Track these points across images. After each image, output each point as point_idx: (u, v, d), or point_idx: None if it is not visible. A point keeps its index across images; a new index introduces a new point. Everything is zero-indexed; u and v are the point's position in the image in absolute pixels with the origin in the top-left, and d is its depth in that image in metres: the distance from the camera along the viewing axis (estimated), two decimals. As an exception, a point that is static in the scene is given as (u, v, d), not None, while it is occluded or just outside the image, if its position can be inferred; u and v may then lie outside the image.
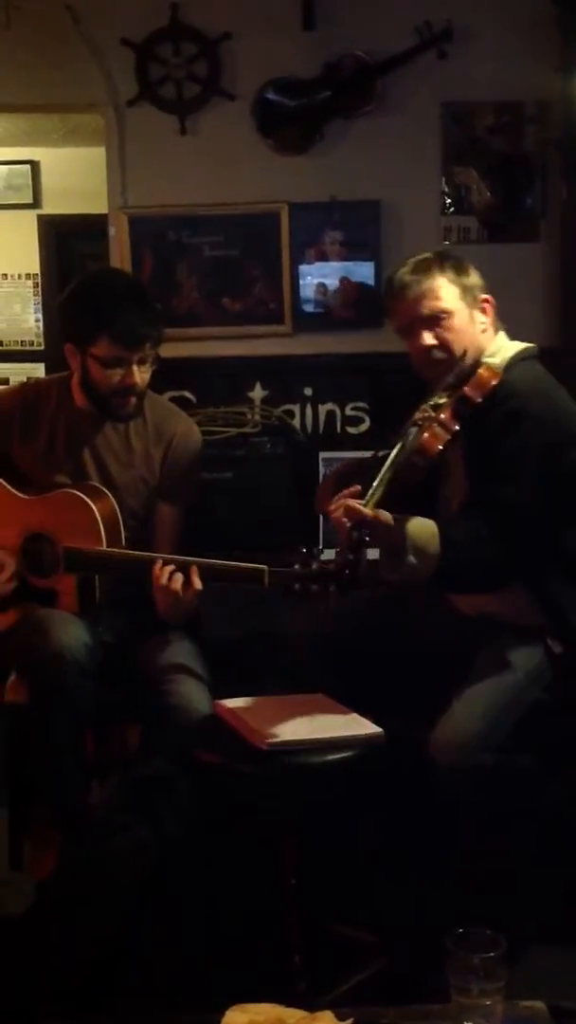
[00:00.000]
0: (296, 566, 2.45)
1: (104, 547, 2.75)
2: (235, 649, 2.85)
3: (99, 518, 2.76)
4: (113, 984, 2.31)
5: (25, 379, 6.61)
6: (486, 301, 2.61)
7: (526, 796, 2.47)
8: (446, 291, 2.55)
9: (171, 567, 2.61)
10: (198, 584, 2.60)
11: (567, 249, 3.90)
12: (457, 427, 2.46)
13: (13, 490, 2.86)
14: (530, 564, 2.49)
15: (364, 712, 2.43)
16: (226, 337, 4.06)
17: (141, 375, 2.81)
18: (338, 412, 4.07)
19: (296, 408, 4.07)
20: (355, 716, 2.42)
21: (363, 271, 4.02)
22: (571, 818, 2.50)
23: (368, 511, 2.26)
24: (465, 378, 2.50)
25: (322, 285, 4.05)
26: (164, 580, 2.60)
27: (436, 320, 2.55)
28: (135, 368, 2.78)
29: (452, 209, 3.98)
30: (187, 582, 2.60)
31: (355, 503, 2.29)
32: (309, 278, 4.05)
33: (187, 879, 2.51)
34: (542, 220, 3.96)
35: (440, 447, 2.44)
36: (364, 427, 4.02)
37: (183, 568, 2.60)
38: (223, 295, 4.05)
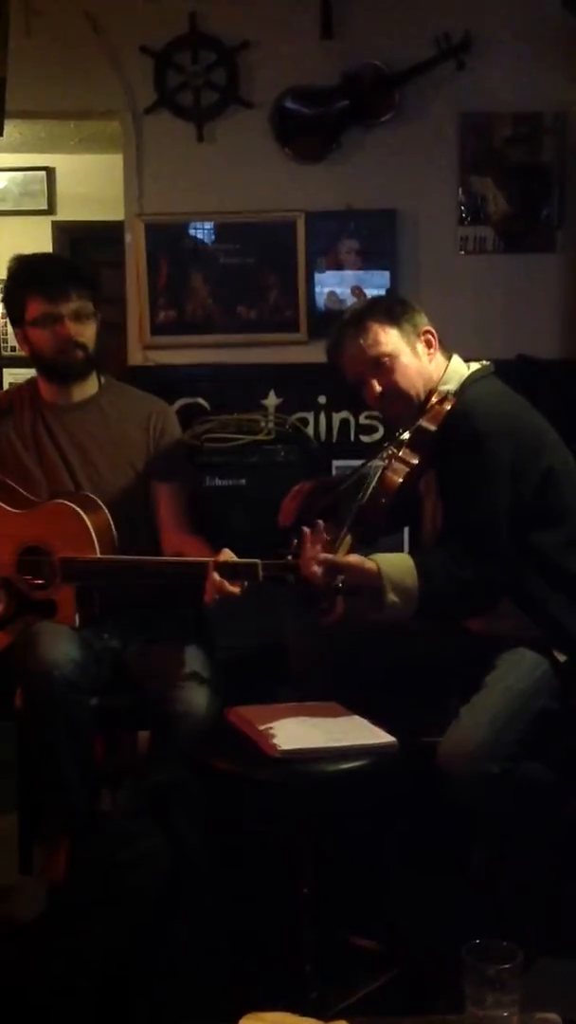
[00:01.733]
0: (289, 557, 2.44)
1: (98, 553, 2.74)
2: (248, 658, 2.84)
3: (90, 526, 2.75)
4: (126, 992, 2.31)
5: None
6: (427, 332, 2.63)
7: (537, 805, 2.46)
8: (383, 336, 2.57)
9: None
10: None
11: (583, 260, 3.91)
12: (416, 460, 2.52)
13: (4, 505, 2.85)
14: (513, 579, 2.50)
15: (376, 721, 2.43)
16: (241, 344, 4.06)
17: (77, 328, 2.86)
18: (352, 421, 4.08)
19: (310, 416, 4.08)
20: (368, 725, 2.42)
21: (378, 280, 4.03)
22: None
23: (340, 558, 2.33)
24: (421, 410, 2.55)
25: (337, 294, 4.05)
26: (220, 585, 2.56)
27: (380, 366, 2.57)
28: (68, 322, 2.84)
29: (468, 219, 3.98)
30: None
31: (325, 554, 2.33)
32: (324, 286, 4.05)
33: (200, 887, 2.50)
34: (559, 230, 3.97)
35: (400, 481, 2.50)
36: (378, 435, 4.02)
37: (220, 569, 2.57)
38: (238, 303, 4.06)
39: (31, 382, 3.04)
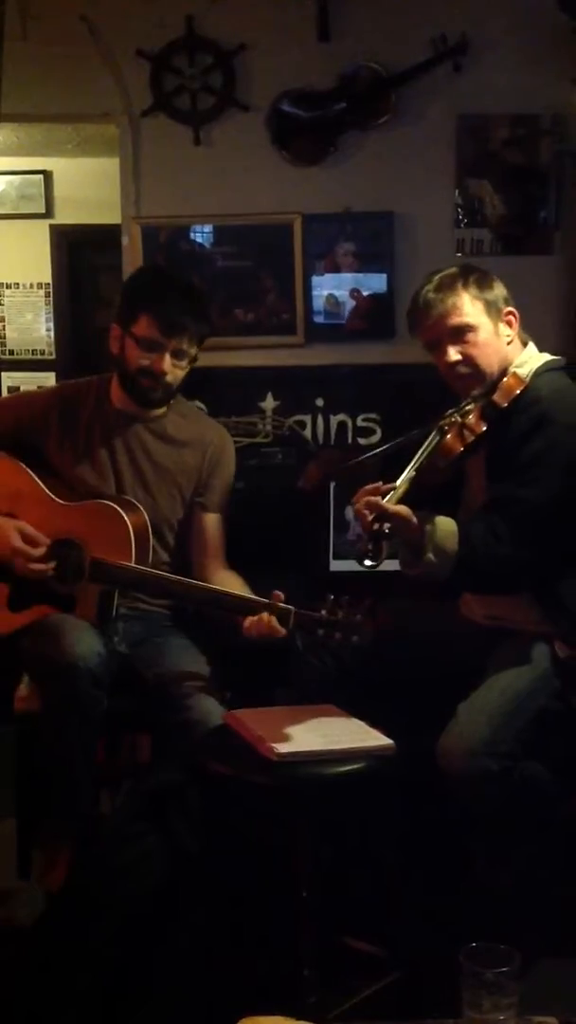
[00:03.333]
0: (323, 612, 2.49)
1: (132, 563, 2.75)
2: (247, 661, 2.84)
3: (132, 532, 2.76)
4: (124, 996, 2.31)
5: (36, 388, 6.70)
6: (510, 314, 2.64)
7: (536, 804, 2.46)
8: (469, 307, 2.59)
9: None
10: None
11: (581, 262, 3.90)
12: (482, 430, 2.53)
13: (49, 493, 2.86)
14: (545, 567, 2.51)
15: (375, 724, 2.43)
16: (238, 347, 4.06)
17: (172, 366, 2.84)
18: (350, 423, 4.07)
19: (308, 419, 4.07)
20: (366, 727, 2.42)
21: (376, 282, 4.02)
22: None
23: (390, 506, 2.36)
24: (492, 387, 2.56)
25: (334, 296, 4.05)
26: (265, 626, 2.58)
27: (461, 335, 2.59)
28: (167, 356, 2.82)
29: (466, 221, 3.98)
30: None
31: (377, 498, 2.38)
32: (322, 289, 4.05)
33: (199, 890, 2.50)
34: (557, 233, 3.96)
35: (461, 449, 2.52)
36: (376, 438, 4.02)
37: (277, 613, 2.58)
38: (236, 305, 4.06)
39: (103, 381, 3.03)
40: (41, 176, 6.79)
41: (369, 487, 2.44)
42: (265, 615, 2.56)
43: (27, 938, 2.56)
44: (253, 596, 2.67)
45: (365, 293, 4.03)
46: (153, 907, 2.43)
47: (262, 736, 2.35)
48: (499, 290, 2.65)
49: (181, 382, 2.92)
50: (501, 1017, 1.60)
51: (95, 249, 6.68)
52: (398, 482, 2.42)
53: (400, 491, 2.41)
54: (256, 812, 2.52)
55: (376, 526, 2.35)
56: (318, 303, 4.05)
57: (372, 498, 2.39)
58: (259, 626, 2.57)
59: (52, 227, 6.90)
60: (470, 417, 2.54)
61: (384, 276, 4.02)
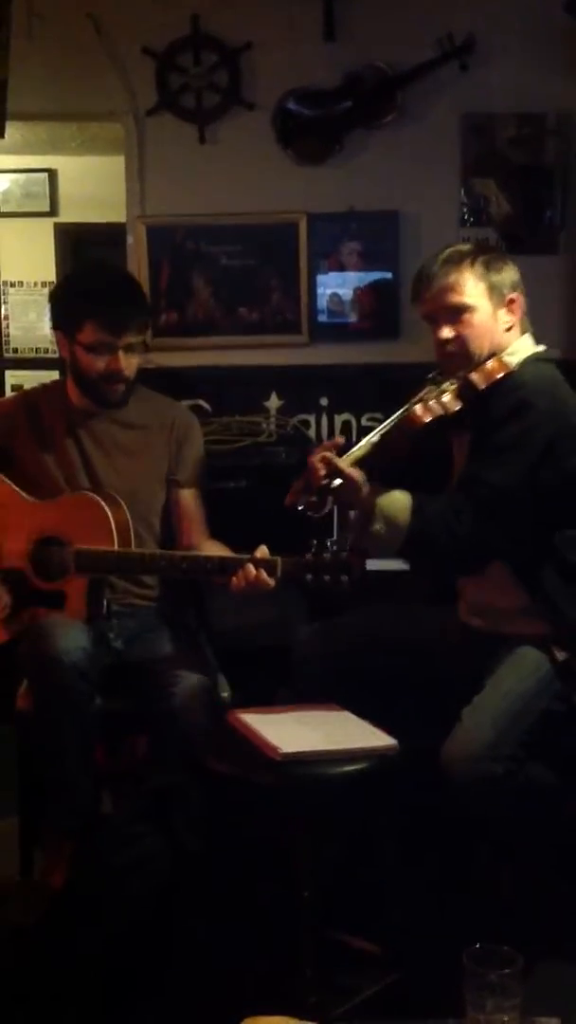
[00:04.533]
0: (308, 556, 2.48)
1: (115, 546, 2.76)
2: (250, 661, 2.84)
3: (111, 518, 2.78)
4: (126, 995, 2.30)
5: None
6: (513, 300, 2.60)
7: (540, 807, 2.46)
8: (471, 287, 2.56)
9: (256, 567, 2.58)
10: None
11: (586, 262, 3.90)
12: (455, 408, 2.50)
13: (23, 494, 2.88)
14: (525, 563, 2.50)
15: (378, 724, 2.42)
16: (242, 346, 4.06)
17: (127, 361, 2.86)
18: (354, 422, 4.07)
19: (312, 418, 4.07)
20: (369, 727, 2.41)
21: (381, 281, 4.02)
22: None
23: (344, 465, 2.38)
24: (475, 366, 2.54)
25: (339, 295, 4.05)
26: (252, 577, 2.58)
27: (457, 314, 2.56)
28: (121, 354, 2.84)
29: (471, 220, 3.98)
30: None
31: (332, 455, 2.39)
32: (326, 288, 4.05)
33: (200, 890, 2.50)
34: (562, 232, 3.96)
35: (427, 420, 2.48)
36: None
37: (261, 564, 2.57)
38: (240, 304, 4.06)
39: (58, 383, 3.06)
40: (46, 174, 6.79)
41: (328, 443, 2.47)
42: (250, 567, 2.55)
43: (28, 937, 2.55)
44: (235, 554, 2.66)
45: (370, 292, 4.03)
46: (154, 906, 2.43)
47: (265, 736, 2.35)
48: (508, 274, 2.60)
49: (137, 371, 2.93)
50: (504, 1018, 1.59)
51: (100, 247, 6.65)
52: (359, 445, 2.43)
53: (358, 453, 2.42)
54: (258, 812, 2.51)
55: (326, 481, 2.37)
56: (322, 302, 4.05)
57: (328, 454, 2.39)
58: (247, 579, 2.56)
59: (56, 225, 6.90)
60: (446, 395, 2.51)
61: (389, 275, 4.01)
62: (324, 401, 4.07)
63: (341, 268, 4.04)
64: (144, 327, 2.92)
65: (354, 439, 3.99)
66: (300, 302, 4.03)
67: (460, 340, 2.56)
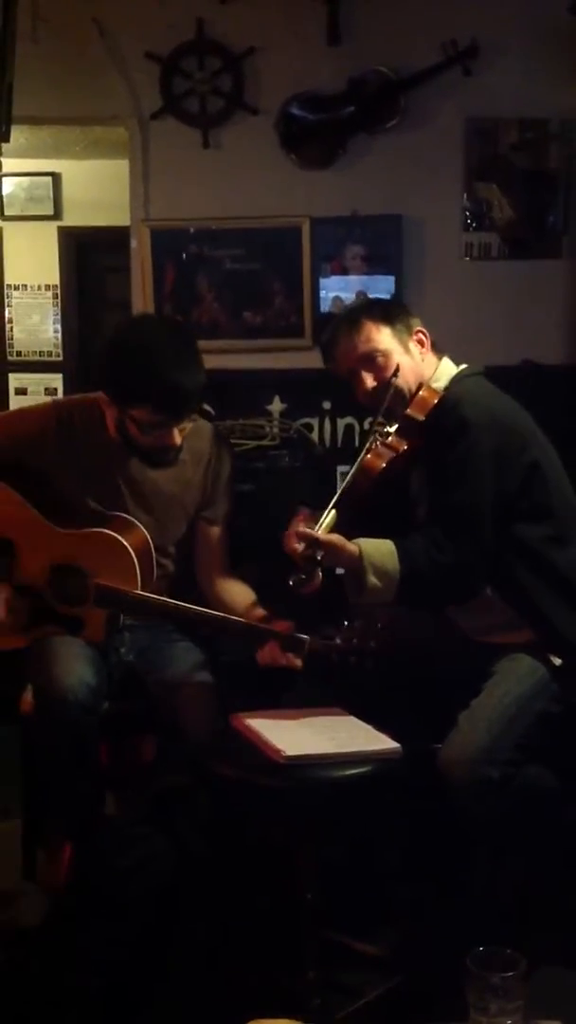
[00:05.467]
0: (337, 640, 2.49)
1: (138, 588, 2.71)
2: (255, 665, 2.84)
3: (136, 559, 2.70)
4: (129, 998, 2.31)
5: (43, 390, 6.71)
6: (420, 332, 2.72)
7: (538, 810, 2.46)
8: (375, 333, 2.67)
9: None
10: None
11: (589, 266, 3.90)
12: (403, 448, 2.57)
13: (45, 520, 2.79)
14: (499, 572, 2.53)
15: (382, 728, 2.43)
16: (246, 350, 4.06)
17: (181, 434, 2.72)
18: (357, 426, 4.07)
19: (315, 421, 4.07)
20: (373, 731, 2.42)
21: (384, 285, 4.02)
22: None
23: (321, 534, 2.40)
24: (407, 401, 2.62)
25: (342, 299, 4.06)
26: (280, 660, 2.59)
27: (372, 361, 2.65)
28: (175, 430, 2.70)
29: (474, 225, 3.98)
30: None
31: (306, 528, 2.42)
32: (330, 292, 4.05)
33: (204, 892, 2.50)
34: (564, 237, 3.96)
35: (383, 466, 2.55)
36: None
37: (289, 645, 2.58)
38: (244, 308, 4.06)
39: (95, 406, 2.84)
40: (50, 178, 6.81)
41: (296, 519, 2.49)
42: (277, 650, 2.56)
43: (31, 939, 2.56)
44: (262, 625, 2.65)
45: (372, 296, 4.03)
46: (158, 908, 2.43)
47: (269, 738, 2.35)
48: (403, 316, 2.72)
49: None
50: (508, 1021, 1.60)
51: (103, 251, 6.69)
52: (326, 512, 2.45)
53: (328, 518, 2.44)
54: (261, 814, 2.52)
55: (308, 552, 2.39)
56: (326, 306, 4.06)
57: (302, 528, 2.42)
58: (273, 660, 2.57)
59: (60, 229, 6.92)
60: (391, 437, 2.58)
61: (392, 279, 4.01)
62: (327, 404, 4.07)
63: (344, 272, 4.05)
64: (200, 400, 2.74)
65: (356, 443, 4.04)
66: (303, 306, 4.03)
67: (384, 382, 2.63)
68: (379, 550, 2.44)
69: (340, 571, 2.51)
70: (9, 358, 7.01)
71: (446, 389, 2.63)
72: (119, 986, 2.33)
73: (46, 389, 6.76)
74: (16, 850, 2.88)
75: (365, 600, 2.45)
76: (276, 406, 4.06)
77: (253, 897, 2.63)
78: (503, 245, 3.98)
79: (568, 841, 2.52)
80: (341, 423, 4.08)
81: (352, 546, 2.43)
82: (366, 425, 3.95)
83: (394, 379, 2.62)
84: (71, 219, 6.90)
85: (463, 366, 2.73)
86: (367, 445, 2.58)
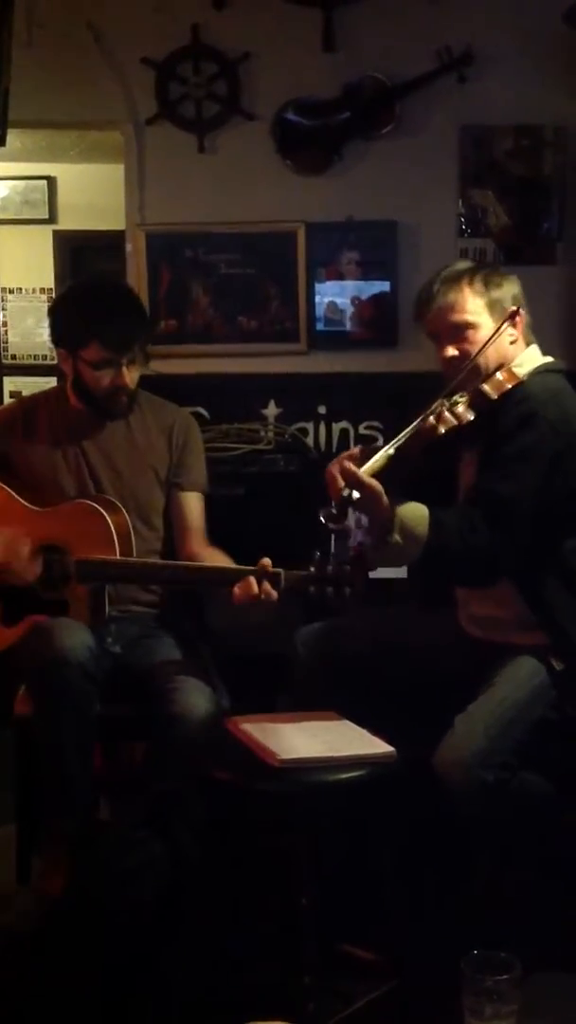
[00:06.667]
0: (311, 568, 2.48)
1: (117, 555, 2.77)
2: (249, 668, 2.85)
3: (113, 528, 2.79)
4: (124, 1003, 2.31)
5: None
6: (516, 313, 2.62)
7: (533, 815, 2.47)
8: (471, 304, 2.60)
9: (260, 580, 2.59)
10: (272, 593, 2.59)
11: (583, 273, 3.92)
12: (470, 418, 2.50)
13: (23, 501, 2.89)
14: (527, 572, 2.52)
15: (377, 732, 2.43)
16: (241, 354, 4.07)
17: (131, 375, 2.89)
18: (352, 430, 4.08)
19: (310, 426, 4.08)
20: (368, 735, 2.42)
21: (379, 291, 4.03)
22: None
23: (364, 476, 2.34)
24: (482, 379, 2.55)
25: (337, 304, 4.07)
26: (255, 591, 2.58)
27: (459, 332, 2.60)
28: (124, 369, 2.87)
29: (469, 231, 3.99)
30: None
31: (352, 465, 2.37)
32: (325, 297, 4.06)
33: (199, 897, 2.51)
34: (559, 243, 3.97)
35: (442, 431, 2.47)
36: (378, 446, 4.02)
37: (265, 576, 2.58)
38: (239, 313, 4.07)
39: (57, 389, 3.09)
40: (45, 182, 6.83)
41: (346, 453, 2.47)
42: (252, 581, 2.56)
43: (26, 944, 2.56)
44: (238, 566, 2.67)
45: (368, 301, 4.04)
46: (154, 913, 2.43)
47: (263, 743, 2.36)
48: (508, 289, 2.64)
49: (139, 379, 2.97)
50: (502, 1025, 1.60)
51: (98, 255, 6.68)
52: (376, 456, 2.42)
53: (375, 465, 2.40)
54: (257, 818, 2.52)
55: (346, 492, 2.35)
56: (320, 311, 4.07)
57: (348, 465, 2.38)
58: (248, 592, 2.56)
59: (55, 233, 6.93)
60: (459, 406, 2.51)
61: (387, 284, 4.03)
62: (322, 409, 4.08)
63: (339, 277, 4.06)
64: (146, 341, 2.97)
65: (351, 447, 4.04)
66: (298, 311, 4.04)
67: (465, 356, 2.58)
68: (412, 512, 2.39)
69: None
70: (4, 361, 7.01)
71: (525, 377, 2.57)
72: (115, 991, 2.32)
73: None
74: (10, 855, 2.88)
75: (384, 554, 2.41)
76: (271, 410, 4.07)
77: (248, 901, 2.63)
78: (498, 251, 3.99)
79: (564, 847, 2.52)
80: (336, 427, 4.09)
81: (387, 499, 2.38)
82: (361, 428, 4.07)
83: (477, 355, 2.56)
84: (66, 223, 6.91)
85: (549, 358, 2.68)
86: (431, 408, 2.51)
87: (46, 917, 2.61)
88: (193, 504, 3.03)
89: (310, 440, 4.06)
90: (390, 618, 2.86)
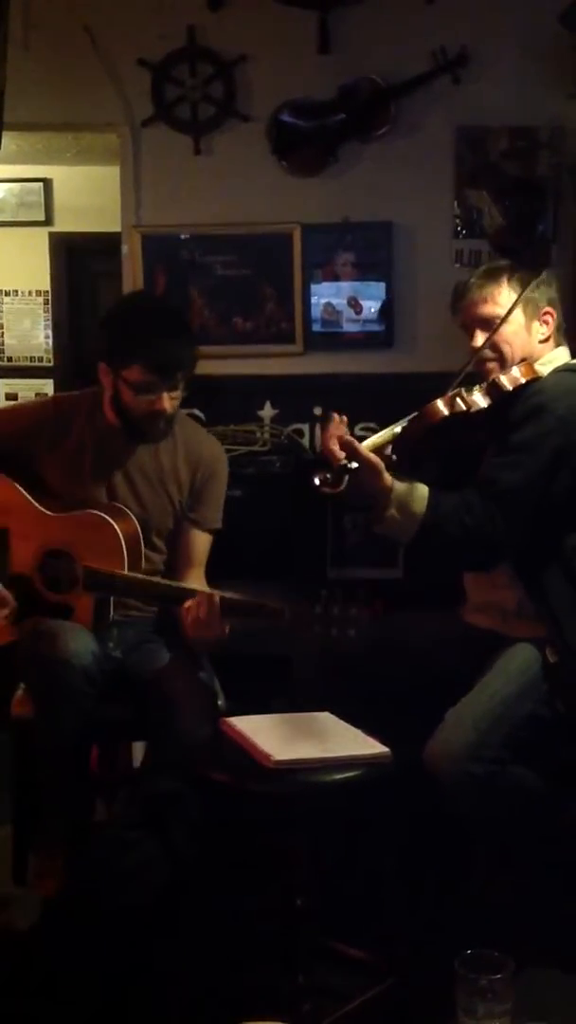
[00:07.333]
0: (318, 609, 2.49)
1: (125, 570, 2.76)
2: (244, 668, 2.85)
3: (123, 541, 2.78)
4: (120, 1003, 2.31)
5: (34, 395, 6.72)
6: (549, 312, 2.70)
7: (524, 810, 2.47)
8: (504, 298, 2.67)
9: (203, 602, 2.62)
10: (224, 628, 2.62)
11: (579, 274, 3.92)
12: (481, 406, 2.56)
13: (37, 505, 2.87)
14: (529, 565, 2.53)
15: (371, 732, 2.44)
16: (237, 356, 4.07)
17: (171, 401, 2.83)
18: (347, 432, 4.07)
19: (306, 427, 4.07)
20: (362, 735, 2.43)
21: (375, 292, 4.04)
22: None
23: (364, 450, 2.42)
24: (505, 370, 2.63)
25: (333, 305, 4.07)
26: (195, 610, 2.62)
27: (490, 324, 2.66)
28: (166, 395, 2.81)
29: (464, 232, 3.99)
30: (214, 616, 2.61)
31: (351, 437, 2.45)
32: (321, 298, 4.07)
33: (195, 897, 2.51)
34: (554, 245, 3.97)
35: (445, 414, 2.53)
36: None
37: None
38: (234, 314, 4.07)
39: (94, 396, 3.00)
40: (41, 184, 6.82)
41: (337, 421, 2.55)
42: (212, 600, 2.60)
43: (22, 945, 2.56)
44: (255, 600, 2.66)
45: (364, 302, 4.05)
46: (149, 913, 2.44)
47: (258, 744, 2.36)
48: (544, 290, 2.72)
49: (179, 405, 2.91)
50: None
51: (94, 257, 6.70)
52: (381, 432, 2.51)
53: (377, 440, 2.48)
54: (252, 819, 2.52)
55: (345, 462, 2.41)
56: (316, 312, 4.07)
57: (346, 434, 2.44)
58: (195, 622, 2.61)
59: (51, 235, 6.93)
60: (472, 394, 2.57)
61: (383, 285, 4.03)
62: (318, 410, 4.07)
63: (335, 278, 4.06)
64: (192, 367, 2.88)
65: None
66: (294, 312, 4.04)
67: (494, 348, 2.66)
68: (411, 490, 2.46)
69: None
70: (0, 363, 7.01)
71: (544, 374, 2.63)
72: (110, 991, 2.33)
73: (36, 394, 6.76)
74: (6, 856, 2.88)
75: (382, 529, 2.48)
76: (267, 412, 4.07)
77: (244, 901, 2.63)
78: (493, 252, 3.98)
79: (562, 847, 2.53)
80: (332, 429, 4.08)
81: (388, 475, 2.45)
82: (357, 430, 4.06)
83: (504, 346, 2.65)
84: (62, 225, 6.91)
85: (572, 361, 2.73)
86: (445, 393, 2.57)
87: (41, 917, 2.61)
88: (200, 541, 3.00)
89: (306, 441, 4.06)
90: (388, 621, 2.86)
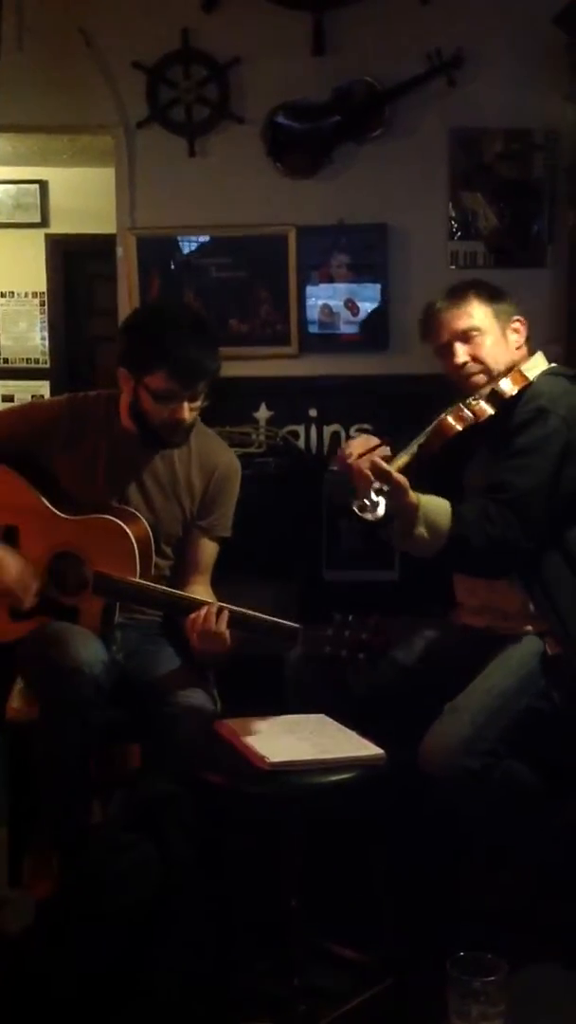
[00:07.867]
0: (329, 631, 2.49)
1: (137, 577, 2.73)
2: (240, 669, 2.85)
3: (135, 546, 2.75)
4: (114, 1005, 2.30)
5: (30, 397, 6.72)
6: (518, 321, 2.77)
7: (519, 805, 2.48)
8: (477, 311, 2.73)
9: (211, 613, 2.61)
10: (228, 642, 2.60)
11: (574, 275, 3.92)
12: (490, 412, 2.63)
13: (50, 506, 2.84)
14: (534, 559, 2.57)
15: (366, 734, 2.44)
16: (232, 358, 4.01)
17: (191, 411, 2.79)
18: (343, 433, 4.08)
19: (301, 429, 4.09)
20: (357, 737, 2.43)
21: (370, 294, 4.04)
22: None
23: (395, 472, 2.43)
24: (498, 379, 2.69)
25: (328, 307, 4.07)
26: (201, 621, 2.60)
27: (468, 337, 2.71)
28: (186, 404, 2.77)
29: (459, 234, 4.00)
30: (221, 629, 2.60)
31: (382, 462, 2.44)
32: (316, 300, 4.07)
33: (190, 898, 2.50)
34: (549, 246, 3.98)
35: (460, 429, 2.61)
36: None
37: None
38: (230, 316, 4.07)
39: (111, 398, 2.93)
40: (37, 186, 6.83)
41: (367, 445, 2.58)
42: (211, 613, 2.59)
43: (15, 947, 2.55)
44: (270, 618, 2.62)
45: (360, 304, 4.05)
46: (144, 915, 2.43)
47: (252, 745, 2.36)
48: (507, 304, 2.78)
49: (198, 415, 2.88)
50: (489, 1026, 1.61)
51: (90, 258, 6.70)
52: (403, 451, 2.53)
53: (403, 460, 2.51)
54: (247, 821, 2.52)
55: (376, 486, 2.42)
56: (312, 314, 4.07)
57: (379, 461, 2.45)
58: (202, 626, 2.59)
59: (47, 236, 6.94)
60: (476, 405, 2.64)
61: (378, 287, 4.04)
62: (313, 412, 4.09)
63: (331, 280, 4.06)
64: (214, 377, 2.82)
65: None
66: (290, 314, 4.05)
67: (477, 359, 2.70)
68: (436, 506, 2.49)
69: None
70: (-5, 365, 7.03)
71: (534, 379, 2.68)
72: (104, 993, 2.32)
73: (32, 396, 6.76)
74: (2, 857, 2.88)
75: (408, 547, 2.51)
76: (262, 413, 4.07)
77: (239, 903, 2.63)
78: (488, 254, 4.00)
79: (556, 846, 2.53)
80: (327, 430, 4.10)
81: (414, 495, 2.46)
82: (352, 431, 4.07)
83: (488, 358, 2.70)
84: (58, 226, 6.91)
85: (554, 364, 2.80)
86: (449, 408, 2.63)
87: (36, 919, 2.60)
88: (208, 549, 2.98)
89: (301, 443, 4.07)
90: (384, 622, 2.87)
